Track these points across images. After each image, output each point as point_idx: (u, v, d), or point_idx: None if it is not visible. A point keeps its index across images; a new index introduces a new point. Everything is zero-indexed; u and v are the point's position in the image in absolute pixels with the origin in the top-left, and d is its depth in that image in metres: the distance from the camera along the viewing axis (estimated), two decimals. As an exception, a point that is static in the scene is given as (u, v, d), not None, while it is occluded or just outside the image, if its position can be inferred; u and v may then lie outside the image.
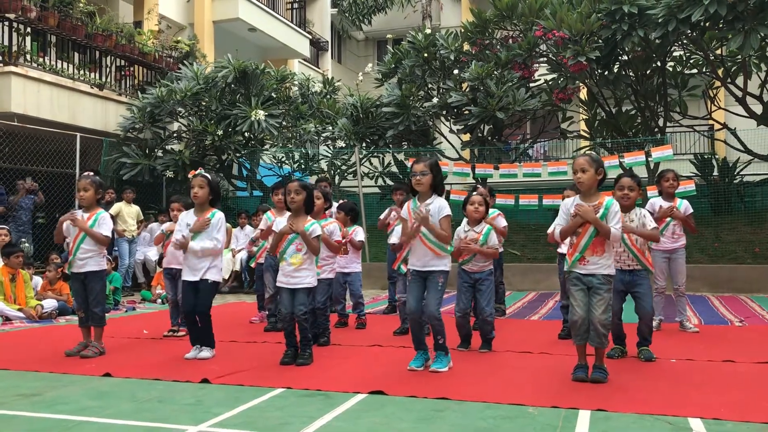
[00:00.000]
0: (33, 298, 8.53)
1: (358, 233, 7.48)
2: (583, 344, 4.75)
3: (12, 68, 11.55)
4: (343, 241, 7.11)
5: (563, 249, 6.29)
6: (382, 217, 8.30)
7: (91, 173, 6.11)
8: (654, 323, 6.79)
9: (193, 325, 5.71)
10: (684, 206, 6.99)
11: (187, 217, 5.77)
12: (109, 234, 5.98)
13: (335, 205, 7.78)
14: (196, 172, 5.82)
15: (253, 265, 8.71)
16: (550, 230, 5.00)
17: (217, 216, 5.73)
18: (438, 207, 5.05)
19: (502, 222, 7.51)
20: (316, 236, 5.50)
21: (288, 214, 5.66)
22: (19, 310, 8.21)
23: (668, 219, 6.84)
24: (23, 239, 11.17)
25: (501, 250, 8.23)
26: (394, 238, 7.35)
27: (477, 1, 21.86)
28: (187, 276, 5.68)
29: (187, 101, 13.59)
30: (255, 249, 8.03)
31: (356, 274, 7.53)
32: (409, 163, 13.09)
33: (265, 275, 7.47)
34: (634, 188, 5.57)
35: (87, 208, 5.93)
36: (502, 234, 7.42)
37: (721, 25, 11.57)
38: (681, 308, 7.09)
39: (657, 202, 6.93)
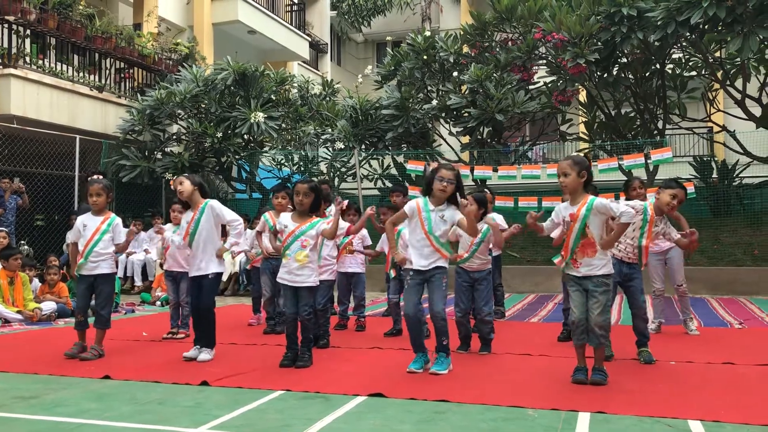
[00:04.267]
0: (32, 301, 8.52)
1: (367, 238, 7.49)
2: (583, 345, 4.76)
3: (11, 70, 11.55)
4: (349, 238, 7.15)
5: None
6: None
7: (101, 177, 6.15)
8: (653, 326, 6.82)
9: (201, 322, 5.72)
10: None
11: (186, 216, 5.82)
12: (124, 240, 6.06)
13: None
14: (174, 179, 5.92)
15: (248, 267, 8.72)
16: (553, 235, 5.05)
17: (209, 205, 5.72)
18: (452, 215, 5.10)
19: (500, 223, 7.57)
20: (323, 230, 5.49)
21: (288, 213, 5.66)
22: (18, 312, 8.20)
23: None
24: (22, 242, 11.17)
25: (499, 252, 8.28)
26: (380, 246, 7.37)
27: (476, 4, 21.89)
28: (193, 272, 5.73)
29: (187, 103, 13.60)
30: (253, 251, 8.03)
31: (361, 275, 7.51)
32: (409, 165, 13.09)
33: (263, 278, 7.47)
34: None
35: (98, 212, 5.95)
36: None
37: (720, 28, 11.58)
38: (684, 308, 7.06)
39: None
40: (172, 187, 5.96)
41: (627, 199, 7.03)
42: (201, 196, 5.76)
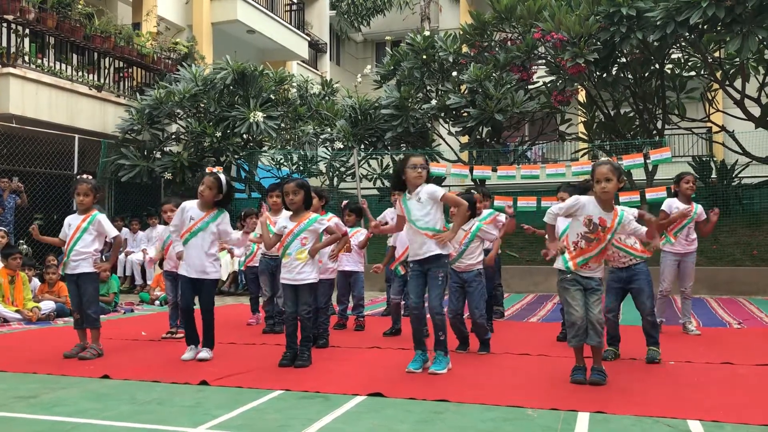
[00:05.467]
0: (31, 300, 8.51)
1: (361, 234, 7.47)
2: (580, 346, 4.76)
3: (10, 69, 11.55)
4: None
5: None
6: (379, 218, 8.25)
7: (89, 176, 6.12)
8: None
9: (191, 323, 5.72)
10: (700, 210, 6.93)
11: (191, 211, 5.73)
12: (114, 232, 5.99)
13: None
14: (213, 170, 5.76)
15: (243, 267, 8.69)
16: (550, 213, 4.94)
17: (225, 214, 5.74)
18: (431, 192, 5.08)
19: (500, 219, 7.55)
20: (324, 229, 5.51)
21: (285, 213, 5.67)
22: (17, 311, 8.19)
23: (684, 222, 6.83)
24: (21, 241, 11.16)
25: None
26: (392, 241, 7.35)
27: (476, 3, 21.88)
28: (186, 272, 5.68)
29: (186, 103, 13.60)
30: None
31: (359, 274, 7.51)
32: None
33: (261, 278, 7.46)
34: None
35: (83, 211, 5.93)
36: (506, 229, 7.46)
37: (719, 28, 11.58)
38: (685, 311, 7.08)
39: (674, 202, 6.90)
40: (207, 171, 5.83)
41: (675, 193, 7.00)
42: (219, 204, 5.74)
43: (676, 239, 6.79)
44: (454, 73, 13.75)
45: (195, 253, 5.63)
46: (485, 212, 6.89)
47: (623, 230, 4.82)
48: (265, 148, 15.15)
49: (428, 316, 5.22)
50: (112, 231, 5.95)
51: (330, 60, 25.89)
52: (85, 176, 6.08)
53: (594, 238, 4.69)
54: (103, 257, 7.51)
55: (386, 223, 7.18)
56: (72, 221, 5.92)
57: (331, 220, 6.47)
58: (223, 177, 5.72)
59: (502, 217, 7.78)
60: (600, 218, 4.69)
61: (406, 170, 5.13)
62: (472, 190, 7.83)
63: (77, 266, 5.83)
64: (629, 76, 13.67)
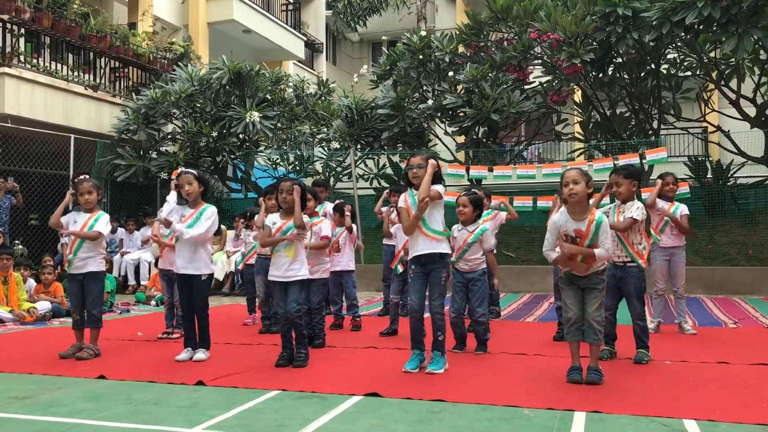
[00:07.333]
0: (26, 301, 8.49)
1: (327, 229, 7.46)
2: (577, 342, 4.77)
3: (6, 69, 11.51)
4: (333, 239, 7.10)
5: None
6: (381, 210, 8.19)
7: (88, 176, 6.15)
8: (652, 325, 6.85)
9: (191, 324, 5.72)
10: (680, 209, 7.02)
11: (182, 209, 5.79)
12: (105, 231, 5.97)
13: (329, 204, 7.75)
14: (179, 171, 5.87)
15: (240, 267, 8.67)
16: (545, 249, 4.98)
17: (209, 209, 5.75)
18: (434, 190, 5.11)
19: (502, 216, 7.73)
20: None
21: (277, 213, 5.68)
22: (10, 311, 8.16)
23: (666, 218, 6.95)
24: (17, 241, 11.12)
25: (494, 251, 8.28)
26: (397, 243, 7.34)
27: (472, 3, 21.88)
28: (182, 267, 5.69)
29: (182, 103, 13.57)
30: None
31: (349, 274, 7.49)
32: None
33: (257, 278, 7.45)
34: (621, 183, 5.55)
35: (89, 210, 5.96)
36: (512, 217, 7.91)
37: (714, 28, 11.60)
38: (680, 310, 7.12)
39: (657, 203, 6.99)
40: (173, 178, 5.91)
41: (658, 194, 7.09)
42: (203, 197, 5.80)
43: (662, 235, 6.93)
44: (451, 73, 13.75)
45: (185, 248, 5.66)
46: (485, 211, 6.97)
47: (604, 236, 4.68)
48: (262, 148, 15.14)
49: (427, 316, 5.23)
50: (103, 229, 5.91)
51: (326, 60, 25.90)
52: (84, 177, 6.11)
53: (577, 240, 4.69)
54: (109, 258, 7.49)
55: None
56: (78, 218, 5.92)
57: (319, 223, 6.48)
58: (192, 170, 5.82)
59: (503, 215, 7.95)
60: (575, 230, 4.71)
61: (408, 172, 5.19)
62: (474, 190, 7.87)
63: (84, 266, 5.84)
64: (625, 76, 13.69)
